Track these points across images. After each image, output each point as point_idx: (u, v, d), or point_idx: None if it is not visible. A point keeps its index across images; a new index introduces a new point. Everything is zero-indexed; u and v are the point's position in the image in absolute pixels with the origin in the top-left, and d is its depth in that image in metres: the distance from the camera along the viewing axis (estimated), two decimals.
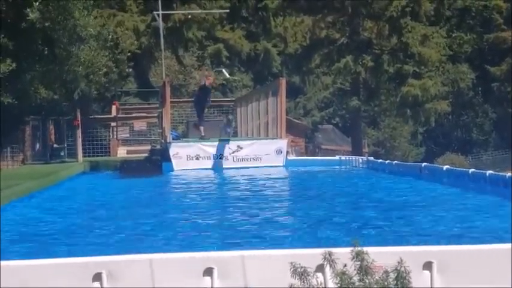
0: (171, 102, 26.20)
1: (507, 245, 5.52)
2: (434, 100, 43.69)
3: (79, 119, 27.76)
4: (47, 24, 19.48)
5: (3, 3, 19.75)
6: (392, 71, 43.49)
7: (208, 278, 5.24)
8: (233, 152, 22.55)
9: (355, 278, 4.30)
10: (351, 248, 4.42)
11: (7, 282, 5.11)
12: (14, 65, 19.03)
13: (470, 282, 5.26)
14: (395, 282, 4.22)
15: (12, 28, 19.67)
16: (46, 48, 20.81)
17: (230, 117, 29.97)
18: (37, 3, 19.21)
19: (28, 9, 19.20)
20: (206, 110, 25.17)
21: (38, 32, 19.91)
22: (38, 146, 30.43)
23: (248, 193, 15.35)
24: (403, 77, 43.06)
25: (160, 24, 33.38)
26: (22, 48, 20.10)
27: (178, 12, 37.72)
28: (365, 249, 4.42)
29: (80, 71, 22.65)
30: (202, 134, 23.62)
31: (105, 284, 5.16)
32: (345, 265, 4.38)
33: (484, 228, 9.37)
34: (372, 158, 24.49)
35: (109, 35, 26.17)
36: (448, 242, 7.68)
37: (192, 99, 27.85)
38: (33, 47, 20.32)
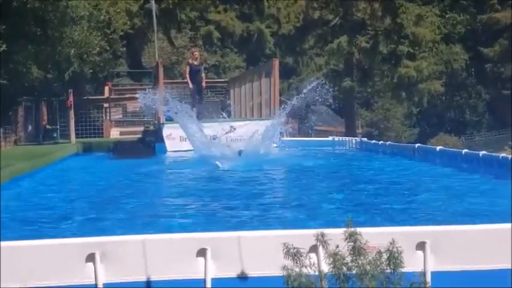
0: (164, 83, 26.12)
1: (501, 225, 5.53)
2: (428, 80, 43.67)
3: (72, 100, 27.66)
4: (37, 5, 19.35)
5: None
6: (386, 52, 43.42)
7: (201, 259, 5.24)
8: (226, 133, 22.52)
9: (348, 259, 4.30)
10: (344, 229, 4.41)
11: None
12: (4, 46, 18.92)
13: (463, 263, 5.27)
14: (387, 262, 4.22)
15: (3, 9, 19.54)
16: (38, 29, 20.69)
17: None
18: None
19: None
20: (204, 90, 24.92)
21: (29, 13, 19.79)
22: (30, 127, 30.35)
23: (242, 174, 15.34)
24: (397, 58, 43.00)
25: (153, 5, 33.24)
26: (13, 29, 19.98)
27: None
28: (358, 229, 4.41)
29: (72, 51, 22.55)
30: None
31: (98, 265, 5.15)
32: (337, 246, 4.38)
33: (477, 209, 9.39)
34: (365, 139, 24.52)
35: (101, 15, 26.05)
36: (441, 222, 7.70)
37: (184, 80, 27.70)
38: (25, 27, 20.20)
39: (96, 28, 25.29)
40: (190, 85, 23.98)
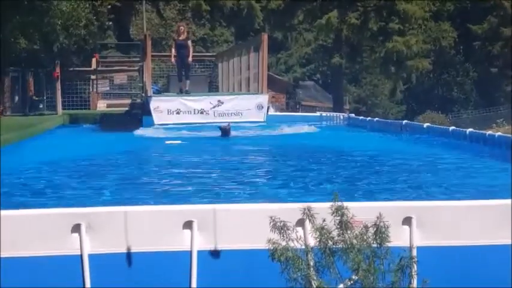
0: (152, 56, 26.00)
1: (486, 202, 5.56)
2: (416, 58, 43.66)
3: (58, 72, 27.49)
4: None
5: None
6: (376, 29, 43.33)
7: (188, 231, 5.24)
8: (214, 107, 22.47)
9: (335, 233, 4.30)
10: (331, 203, 4.41)
11: None
12: None
13: (448, 238, 5.29)
14: (374, 237, 4.23)
15: None
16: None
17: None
18: None
19: None
20: (191, 65, 24.75)
21: None
22: (17, 97, 30.17)
23: (232, 150, 15.34)
24: (387, 34, 42.92)
25: None
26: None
27: None
28: (345, 204, 4.41)
29: (59, 23, 22.37)
30: (186, 89, 23.47)
31: (83, 236, 5.14)
32: (324, 220, 4.37)
33: (463, 185, 9.43)
34: (353, 115, 24.54)
35: None
36: (427, 198, 7.73)
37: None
38: None
39: (83, 0, 25.10)
40: (173, 60, 23.78)
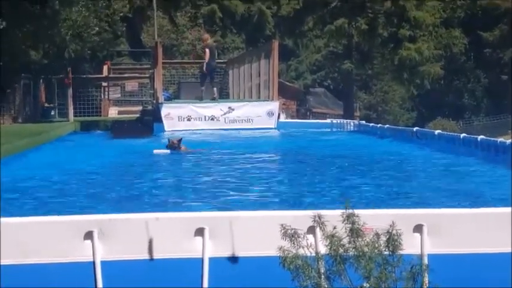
0: (163, 63, 26.10)
1: (498, 209, 5.55)
2: (427, 63, 43.61)
3: (70, 78, 27.60)
4: None
5: None
6: (386, 35, 43.29)
7: (199, 238, 5.25)
8: (224, 114, 22.55)
9: (346, 240, 4.31)
10: (342, 211, 4.42)
11: None
12: (4, 23, 18.83)
13: (460, 246, 5.29)
14: (386, 244, 4.24)
15: None
16: (37, 7, 20.61)
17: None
18: None
19: None
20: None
21: None
22: (28, 105, 30.29)
23: (242, 155, 15.34)
24: (398, 40, 42.88)
25: None
26: (13, 6, 19.90)
27: None
28: (356, 211, 4.42)
29: (70, 31, 22.49)
30: (215, 96, 23.80)
31: (96, 243, 5.17)
32: (335, 227, 4.38)
33: (474, 193, 9.41)
34: (363, 122, 24.52)
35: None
36: (439, 206, 7.72)
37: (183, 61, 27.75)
38: (24, 5, 20.11)
39: (95, 11, 25.24)
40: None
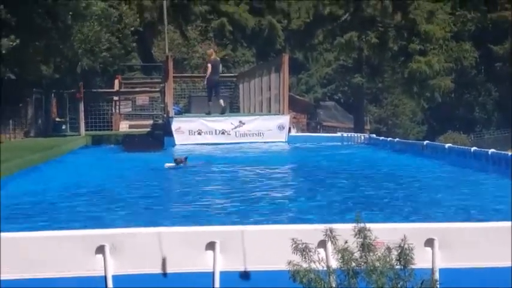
0: (174, 76, 26.17)
1: (508, 223, 5.54)
2: (438, 76, 43.59)
3: (82, 93, 27.71)
4: (49, 0, 19.38)
5: None
6: (396, 48, 43.31)
7: (210, 252, 5.26)
8: (235, 127, 22.58)
9: (357, 255, 4.32)
10: (353, 225, 4.43)
11: (9, 254, 5.14)
12: (17, 41, 18.93)
13: (471, 260, 5.28)
14: (398, 258, 4.24)
15: (15, 2, 19.54)
16: (49, 21, 20.72)
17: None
18: None
19: None
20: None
21: (40, 7, 19.84)
22: (40, 119, 30.40)
23: (252, 168, 15.35)
24: (408, 54, 42.90)
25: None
26: (25, 22, 20.01)
27: None
28: (367, 225, 4.43)
29: (82, 46, 22.61)
30: (223, 106, 23.89)
31: (108, 257, 5.19)
32: (346, 241, 4.39)
33: (485, 206, 9.39)
34: (373, 135, 24.50)
35: (113, 13, 26.13)
36: (450, 220, 7.70)
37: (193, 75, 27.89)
38: (36, 20, 20.23)
39: (106, 25, 25.38)
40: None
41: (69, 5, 20.31)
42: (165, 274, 5.24)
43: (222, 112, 23.70)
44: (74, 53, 22.49)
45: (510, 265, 5.24)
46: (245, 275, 5.27)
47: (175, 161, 15.63)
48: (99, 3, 23.07)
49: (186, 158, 15.77)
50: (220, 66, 25.55)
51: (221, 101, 24.12)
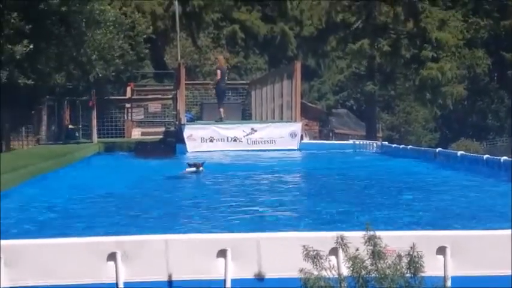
0: (186, 84, 26.24)
1: None
2: (450, 83, 43.49)
3: (94, 100, 27.80)
4: (63, 8, 19.44)
5: None
6: (409, 56, 43.25)
7: (221, 259, 5.27)
8: (247, 135, 22.60)
9: (368, 262, 4.32)
10: (363, 232, 4.43)
11: (20, 261, 5.16)
12: (31, 46, 18.99)
13: (484, 268, 5.26)
14: (408, 266, 4.23)
15: (29, 9, 19.62)
16: (62, 29, 20.79)
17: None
18: None
19: None
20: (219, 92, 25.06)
21: (54, 14, 19.91)
22: (53, 126, 30.50)
23: (263, 175, 15.36)
24: (420, 61, 42.83)
25: (177, 7, 33.31)
26: (39, 29, 20.07)
27: None
28: (378, 233, 4.42)
29: (95, 53, 22.67)
30: (222, 116, 23.86)
31: (119, 264, 5.20)
32: (357, 249, 4.39)
33: (499, 214, 9.35)
34: (386, 143, 24.47)
35: (126, 19, 26.21)
36: (462, 227, 7.69)
37: (205, 82, 28.00)
38: (50, 28, 20.30)
39: (120, 31, 25.47)
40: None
41: (83, 12, 20.36)
42: (176, 281, 5.24)
43: (218, 121, 23.76)
44: (88, 60, 22.55)
45: None
46: (256, 282, 5.27)
47: (192, 166, 15.67)
48: (113, 10, 23.17)
49: (202, 164, 15.81)
50: (227, 75, 25.67)
51: (221, 110, 24.17)
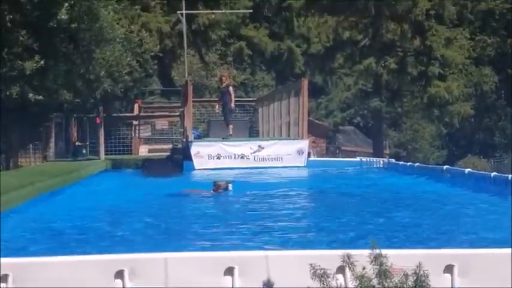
0: (193, 101, 26.29)
1: None
2: (458, 101, 43.48)
3: (102, 117, 27.90)
4: (73, 25, 19.53)
5: (29, 3, 19.74)
6: (416, 73, 43.27)
7: (229, 277, 5.28)
8: (254, 152, 22.61)
9: (375, 281, 4.32)
10: (370, 251, 4.43)
11: (28, 279, 5.17)
12: (42, 62, 19.06)
13: (492, 286, 5.25)
14: (414, 285, 4.24)
15: (37, 27, 19.71)
16: (71, 46, 20.88)
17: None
18: (66, 5, 19.18)
19: (58, 11, 19.16)
20: (233, 109, 25.07)
21: (63, 32, 20.00)
22: (60, 143, 30.60)
23: (271, 192, 15.36)
24: (427, 79, 42.83)
25: (184, 24, 33.43)
26: (47, 47, 20.15)
27: (202, 12, 37.54)
28: (384, 251, 4.43)
29: (103, 71, 22.76)
30: (230, 133, 23.91)
31: (127, 282, 5.21)
32: (364, 268, 4.39)
33: (506, 232, 9.33)
34: (393, 160, 24.45)
35: (134, 36, 26.33)
36: (470, 246, 7.67)
37: (212, 99, 28.10)
38: (59, 45, 20.39)
39: (128, 49, 25.58)
40: (216, 108, 24.62)
41: (92, 29, 20.45)
42: None
43: (226, 137, 23.78)
44: (96, 77, 22.64)
45: None
46: None
47: (218, 186, 14.83)
48: (118, 25, 23.25)
49: (229, 183, 15.03)
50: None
51: (230, 127, 24.24)
